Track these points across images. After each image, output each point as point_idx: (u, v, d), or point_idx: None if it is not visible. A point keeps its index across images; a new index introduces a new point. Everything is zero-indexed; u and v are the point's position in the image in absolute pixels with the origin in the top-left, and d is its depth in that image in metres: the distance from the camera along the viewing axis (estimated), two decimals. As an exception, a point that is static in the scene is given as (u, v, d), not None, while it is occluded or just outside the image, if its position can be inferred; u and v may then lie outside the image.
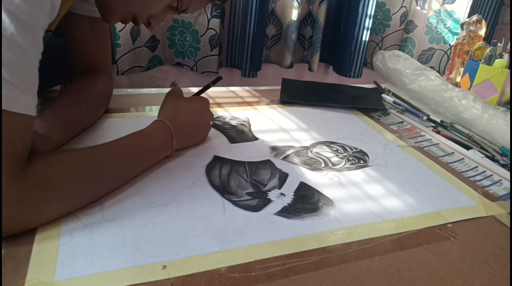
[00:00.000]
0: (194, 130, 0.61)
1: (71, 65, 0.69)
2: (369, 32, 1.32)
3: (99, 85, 0.68)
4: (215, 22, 1.17)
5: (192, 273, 0.38)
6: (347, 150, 0.67)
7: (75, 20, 0.64)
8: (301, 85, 0.97)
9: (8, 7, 0.35)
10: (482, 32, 1.05)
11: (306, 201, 0.51)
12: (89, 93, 0.65)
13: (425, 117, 0.85)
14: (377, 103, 0.91)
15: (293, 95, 0.89)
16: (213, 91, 0.90)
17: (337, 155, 0.65)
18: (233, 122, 0.73)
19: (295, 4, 1.22)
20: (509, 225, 0.51)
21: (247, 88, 0.95)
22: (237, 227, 0.45)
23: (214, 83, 0.67)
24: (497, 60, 0.91)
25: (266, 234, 0.44)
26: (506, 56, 0.91)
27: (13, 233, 0.39)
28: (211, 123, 0.65)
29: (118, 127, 0.65)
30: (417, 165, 0.65)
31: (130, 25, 1.06)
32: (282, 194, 0.52)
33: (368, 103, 0.89)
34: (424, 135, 0.78)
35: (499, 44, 0.92)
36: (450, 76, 1.10)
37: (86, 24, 0.65)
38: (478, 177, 0.64)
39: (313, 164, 0.61)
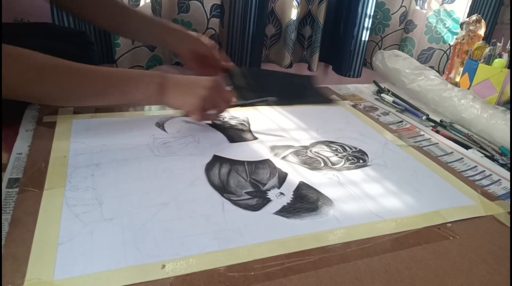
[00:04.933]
0: (189, 85, 0.62)
1: None
2: (368, 31, 1.32)
3: None
4: (215, 22, 1.17)
5: (192, 272, 0.38)
6: (346, 150, 0.67)
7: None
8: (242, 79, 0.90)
9: None
10: (482, 31, 1.06)
11: (306, 200, 0.51)
12: None
13: (424, 117, 0.85)
14: (318, 98, 0.88)
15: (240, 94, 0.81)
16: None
17: (336, 155, 0.65)
18: (233, 122, 0.73)
19: (295, 3, 1.22)
20: (508, 225, 0.51)
21: (246, 87, 0.95)
22: (236, 226, 0.45)
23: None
24: (496, 60, 0.91)
25: (265, 233, 0.44)
26: (506, 56, 0.92)
27: None
28: (211, 84, 0.63)
29: (118, 126, 0.66)
30: (416, 164, 0.65)
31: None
32: (281, 193, 0.52)
33: (310, 100, 0.87)
34: (424, 135, 0.78)
35: (498, 44, 0.92)
36: (449, 75, 1.10)
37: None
38: (477, 177, 0.64)
39: (313, 164, 0.61)
